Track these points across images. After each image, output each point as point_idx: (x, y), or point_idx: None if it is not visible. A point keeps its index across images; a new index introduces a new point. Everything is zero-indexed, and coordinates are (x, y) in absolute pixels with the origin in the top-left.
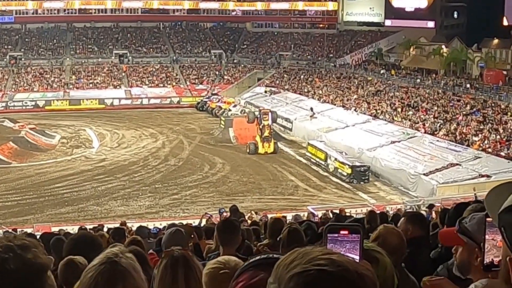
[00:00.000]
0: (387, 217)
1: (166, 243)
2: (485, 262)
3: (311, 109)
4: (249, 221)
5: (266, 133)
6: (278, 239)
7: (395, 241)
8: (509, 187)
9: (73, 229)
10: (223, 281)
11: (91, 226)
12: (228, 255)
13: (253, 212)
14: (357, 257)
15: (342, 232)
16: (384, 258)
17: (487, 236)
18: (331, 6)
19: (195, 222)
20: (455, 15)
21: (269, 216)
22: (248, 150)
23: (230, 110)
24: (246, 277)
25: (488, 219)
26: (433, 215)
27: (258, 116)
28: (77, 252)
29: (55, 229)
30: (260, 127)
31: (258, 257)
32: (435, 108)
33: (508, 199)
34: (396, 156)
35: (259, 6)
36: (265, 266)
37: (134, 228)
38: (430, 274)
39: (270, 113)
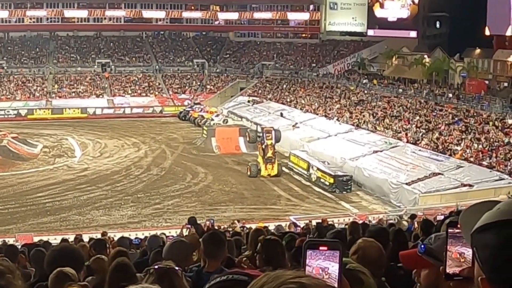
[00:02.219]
0: (369, 227)
1: (166, 255)
2: (446, 271)
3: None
4: (230, 230)
5: (269, 154)
6: (255, 252)
7: (374, 254)
8: (483, 207)
9: (55, 238)
10: None
11: (72, 237)
12: (213, 268)
13: (236, 221)
14: (336, 266)
15: (321, 248)
16: (369, 279)
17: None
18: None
19: (176, 232)
20: (438, 25)
21: (248, 225)
22: (249, 173)
23: (212, 119)
24: None
25: (450, 229)
26: (415, 225)
27: (261, 135)
28: (58, 264)
29: (36, 238)
30: (263, 147)
31: (218, 279)
32: (417, 117)
33: (481, 219)
34: (379, 166)
35: (242, 15)
36: None
37: (116, 238)
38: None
39: (273, 132)
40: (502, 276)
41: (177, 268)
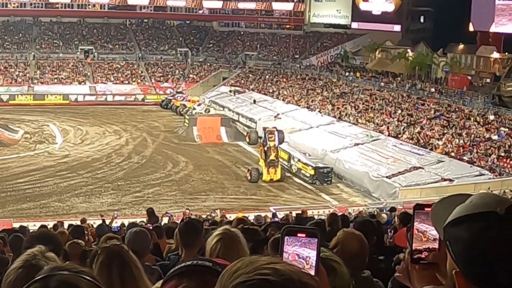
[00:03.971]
0: (348, 219)
1: (132, 244)
2: (412, 254)
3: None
4: (209, 219)
5: (272, 157)
6: None
7: (355, 246)
8: (455, 200)
9: (34, 225)
10: None
11: (52, 223)
12: (190, 257)
13: (216, 211)
14: (314, 253)
15: (299, 235)
16: (342, 267)
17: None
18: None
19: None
20: (422, 20)
21: (228, 215)
22: (249, 177)
23: (194, 108)
24: (170, 286)
25: (416, 210)
26: (395, 218)
27: (263, 135)
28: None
29: (16, 225)
30: (265, 149)
31: (182, 265)
32: (399, 111)
33: (454, 212)
34: (360, 158)
35: (227, 4)
36: (189, 274)
37: (95, 225)
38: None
39: (276, 132)
40: (474, 270)
41: (123, 244)
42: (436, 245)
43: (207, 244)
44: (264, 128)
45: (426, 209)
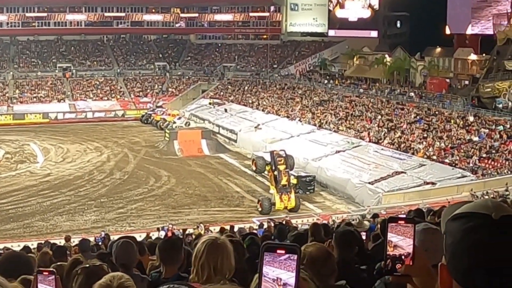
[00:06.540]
0: (330, 228)
1: (120, 256)
2: (386, 265)
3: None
4: (191, 234)
5: (283, 181)
6: None
7: (321, 258)
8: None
9: (18, 245)
10: None
11: (36, 243)
12: (170, 273)
13: (201, 225)
14: (293, 275)
15: (279, 251)
16: (309, 283)
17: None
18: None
19: (141, 236)
20: (398, 25)
21: (212, 228)
22: (260, 209)
23: (174, 122)
24: None
25: (390, 223)
26: (378, 225)
27: (271, 159)
28: (3, 273)
29: (0, 246)
30: (275, 173)
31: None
32: (379, 117)
33: (458, 209)
34: (341, 166)
35: (204, 17)
36: None
37: None
38: None
39: (285, 155)
40: (456, 265)
41: (103, 264)
42: (405, 252)
43: (194, 249)
44: (272, 152)
45: (399, 222)
